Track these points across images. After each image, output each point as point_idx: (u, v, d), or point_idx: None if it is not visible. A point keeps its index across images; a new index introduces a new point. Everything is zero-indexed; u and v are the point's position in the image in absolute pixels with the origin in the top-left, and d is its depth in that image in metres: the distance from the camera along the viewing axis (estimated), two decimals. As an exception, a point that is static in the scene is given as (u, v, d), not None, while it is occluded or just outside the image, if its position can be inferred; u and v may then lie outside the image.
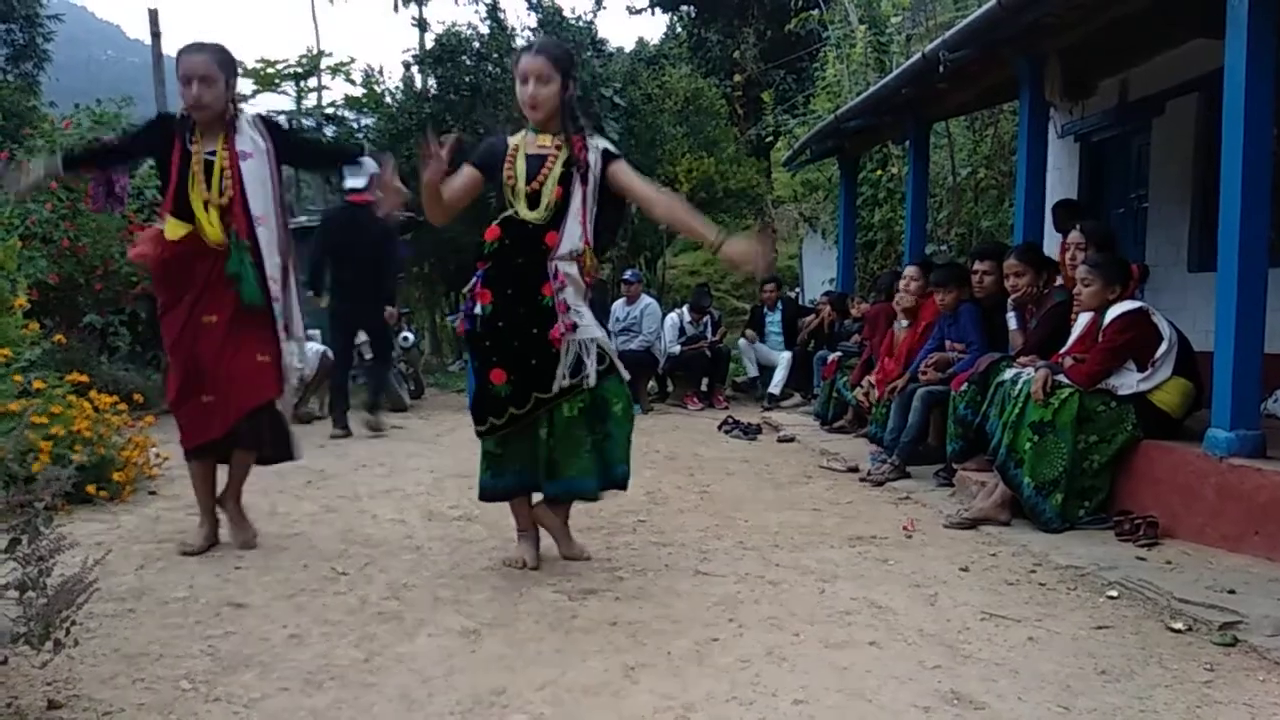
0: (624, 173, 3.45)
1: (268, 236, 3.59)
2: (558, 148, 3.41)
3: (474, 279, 3.45)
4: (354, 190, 6.96)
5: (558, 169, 3.38)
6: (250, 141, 3.59)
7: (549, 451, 3.41)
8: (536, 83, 3.35)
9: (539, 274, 3.36)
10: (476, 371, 3.47)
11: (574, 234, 3.38)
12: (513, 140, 3.47)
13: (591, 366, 3.39)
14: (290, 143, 3.77)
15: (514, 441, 3.45)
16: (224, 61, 3.58)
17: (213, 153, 3.54)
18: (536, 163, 3.40)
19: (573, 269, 3.40)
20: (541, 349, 3.35)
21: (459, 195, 3.41)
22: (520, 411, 3.38)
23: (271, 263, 3.61)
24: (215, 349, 3.55)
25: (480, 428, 3.46)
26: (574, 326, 3.36)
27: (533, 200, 3.36)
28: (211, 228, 3.52)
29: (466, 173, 3.44)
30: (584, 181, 3.40)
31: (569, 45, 3.56)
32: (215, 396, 3.58)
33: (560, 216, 3.37)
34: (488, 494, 3.55)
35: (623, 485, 3.55)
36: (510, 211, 3.39)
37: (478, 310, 3.40)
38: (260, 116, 3.78)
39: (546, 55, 3.39)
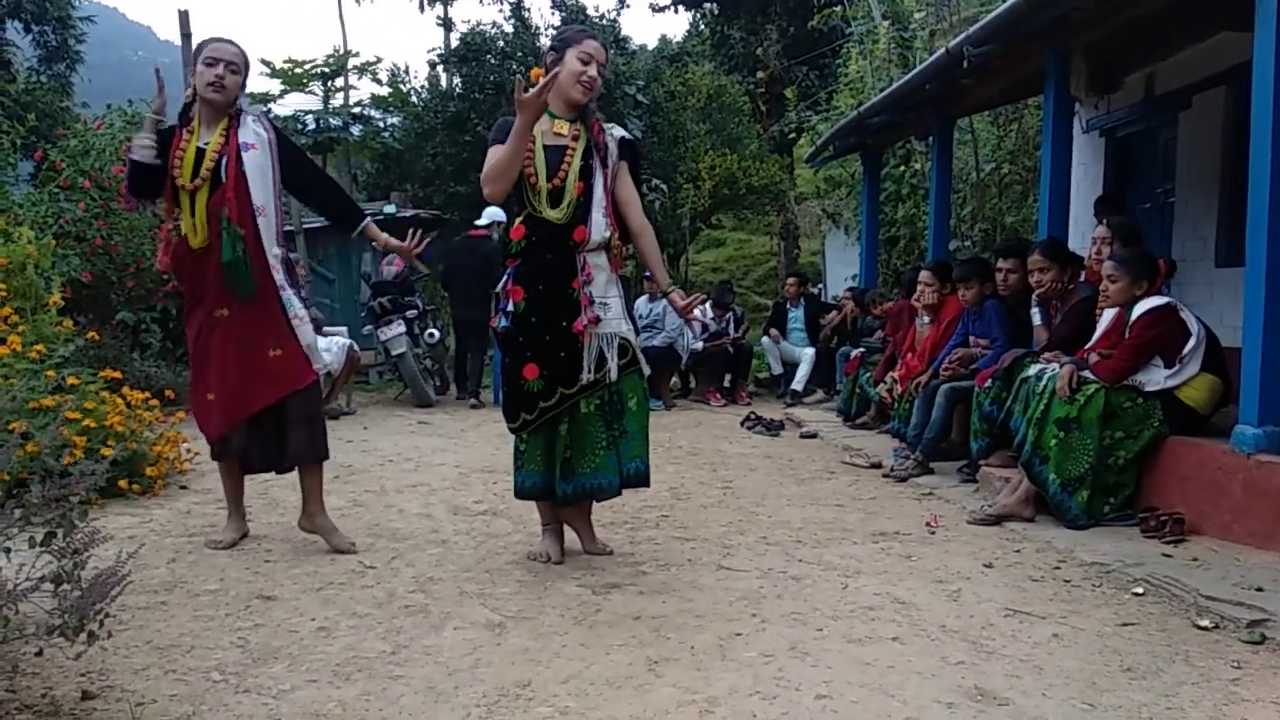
0: (625, 178, 3.47)
1: (267, 226, 3.55)
2: (575, 136, 3.39)
3: (505, 277, 3.46)
4: (475, 226, 9.21)
5: (577, 161, 3.36)
6: (253, 134, 3.56)
7: (565, 449, 3.40)
8: (598, 67, 3.37)
9: (568, 268, 3.36)
10: (508, 368, 3.48)
11: (600, 225, 3.39)
12: None
13: (613, 361, 3.39)
14: (289, 144, 3.70)
15: (535, 437, 3.45)
16: (248, 62, 3.63)
17: (207, 143, 3.51)
18: (556, 155, 3.37)
19: (600, 259, 3.42)
20: (570, 342, 3.36)
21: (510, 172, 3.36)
22: (549, 404, 3.38)
23: (271, 253, 3.57)
24: (226, 343, 3.53)
25: (513, 424, 3.48)
26: (598, 320, 3.36)
27: (554, 197, 3.35)
28: (192, 221, 3.50)
29: (494, 153, 3.38)
30: (604, 166, 3.39)
31: None
32: (218, 395, 3.56)
33: (585, 210, 3.36)
34: (520, 492, 3.56)
35: (643, 481, 3.51)
36: (530, 209, 3.38)
37: (510, 307, 3.41)
38: (264, 114, 3.77)
39: (602, 43, 3.44)
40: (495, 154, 3.31)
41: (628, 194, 3.49)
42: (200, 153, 3.50)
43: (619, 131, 3.50)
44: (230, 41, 3.62)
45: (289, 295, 3.62)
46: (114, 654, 2.54)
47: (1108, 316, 4.43)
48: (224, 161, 3.50)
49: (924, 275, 6.16)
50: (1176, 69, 6.28)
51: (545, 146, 3.37)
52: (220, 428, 3.62)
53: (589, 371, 3.35)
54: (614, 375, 3.39)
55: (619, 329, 3.42)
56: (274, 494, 4.66)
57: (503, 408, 3.55)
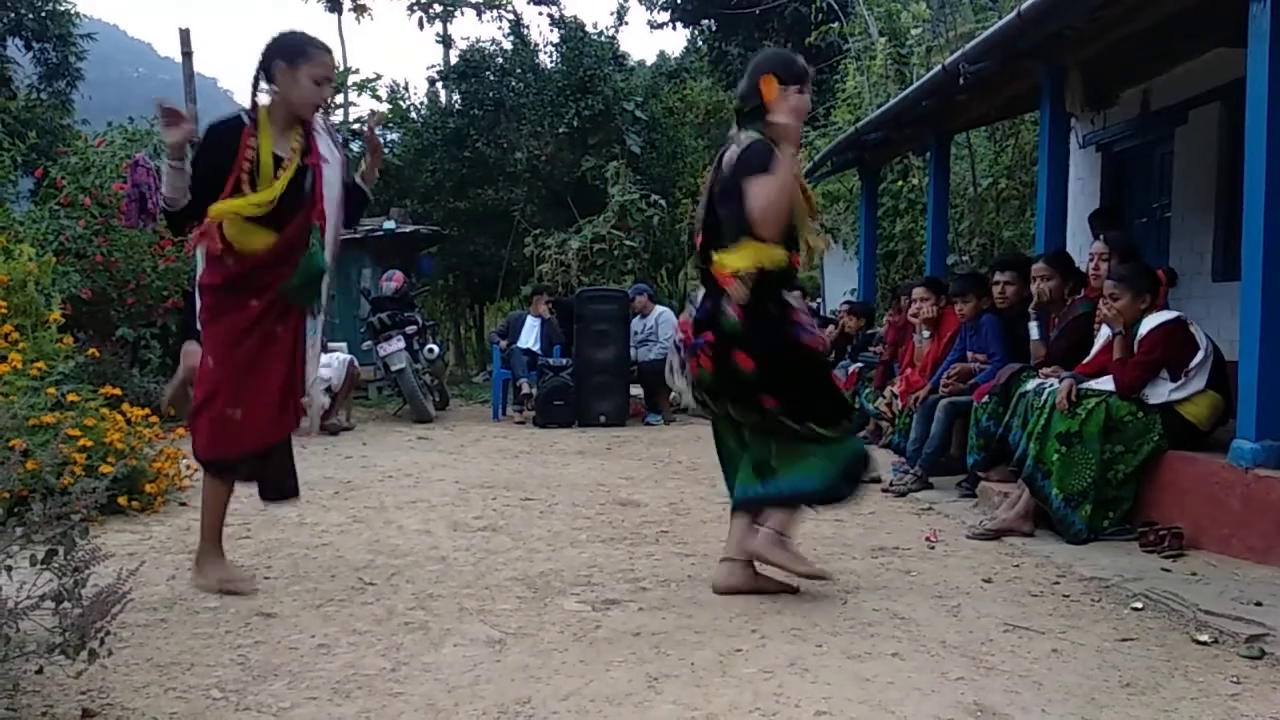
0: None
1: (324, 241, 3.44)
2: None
3: None
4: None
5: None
6: (328, 149, 3.45)
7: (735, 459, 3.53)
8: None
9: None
10: None
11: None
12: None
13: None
14: (348, 164, 3.62)
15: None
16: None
17: (283, 149, 3.31)
18: None
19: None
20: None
21: None
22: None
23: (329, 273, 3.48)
24: (282, 362, 3.37)
25: None
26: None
27: None
28: (273, 232, 3.30)
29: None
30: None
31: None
32: (243, 411, 3.32)
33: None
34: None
35: (742, 506, 3.45)
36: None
37: None
38: (334, 128, 3.59)
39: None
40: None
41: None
42: (278, 160, 3.27)
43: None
44: (329, 51, 3.44)
45: (313, 325, 3.48)
46: (114, 672, 2.53)
47: (1106, 331, 4.44)
48: (309, 174, 3.35)
49: (918, 291, 6.18)
50: (1172, 85, 6.33)
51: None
52: (242, 448, 3.38)
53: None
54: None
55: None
56: (274, 510, 4.65)
57: None
